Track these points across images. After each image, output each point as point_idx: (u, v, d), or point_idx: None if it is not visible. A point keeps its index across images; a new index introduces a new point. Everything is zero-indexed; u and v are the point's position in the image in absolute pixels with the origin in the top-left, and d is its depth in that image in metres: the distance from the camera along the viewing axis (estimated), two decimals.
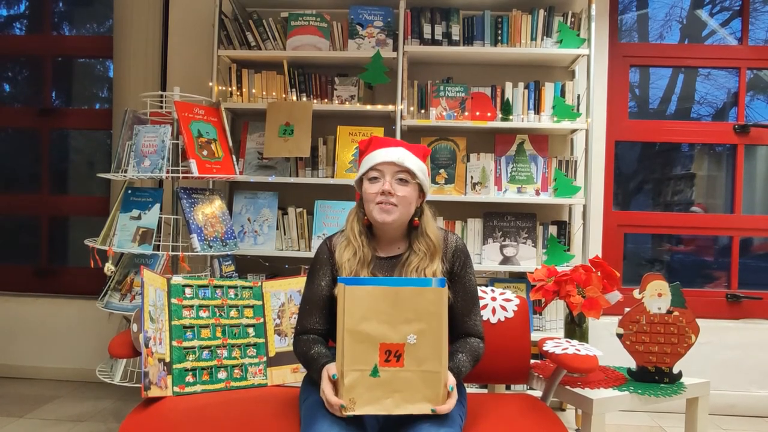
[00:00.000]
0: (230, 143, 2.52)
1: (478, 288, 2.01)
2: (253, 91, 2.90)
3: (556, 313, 2.82)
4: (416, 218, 1.58)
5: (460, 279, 1.60)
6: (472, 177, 2.84)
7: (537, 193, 2.81)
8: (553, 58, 2.84)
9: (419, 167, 1.54)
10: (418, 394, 1.31)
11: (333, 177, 2.82)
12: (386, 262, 1.58)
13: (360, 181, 1.58)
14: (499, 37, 2.81)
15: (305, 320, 1.57)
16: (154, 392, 1.61)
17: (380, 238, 1.60)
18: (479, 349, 1.57)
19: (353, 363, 1.30)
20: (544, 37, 2.79)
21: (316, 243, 2.77)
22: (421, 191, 1.58)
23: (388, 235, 1.59)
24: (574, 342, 1.82)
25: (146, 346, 1.61)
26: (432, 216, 1.62)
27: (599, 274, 1.99)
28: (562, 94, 2.81)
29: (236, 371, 1.83)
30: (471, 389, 2.53)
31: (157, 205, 2.35)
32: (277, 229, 2.87)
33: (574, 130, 2.92)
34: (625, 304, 1.99)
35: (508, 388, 2.64)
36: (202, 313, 1.81)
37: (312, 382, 1.51)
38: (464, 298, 1.59)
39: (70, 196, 3.44)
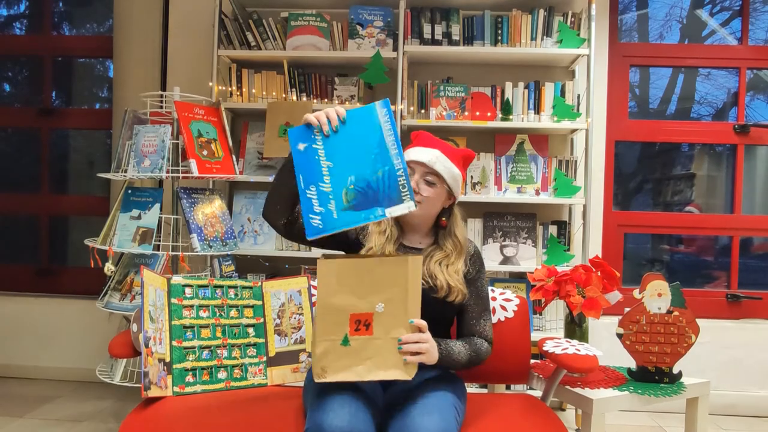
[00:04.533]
0: (230, 143, 2.52)
1: None
2: (253, 91, 2.90)
3: (556, 313, 2.82)
4: (444, 218, 1.63)
5: (473, 283, 1.64)
6: (472, 177, 2.84)
7: (537, 193, 2.82)
8: (553, 58, 2.84)
9: (450, 173, 1.58)
10: (388, 361, 1.36)
11: None
12: (410, 251, 1.63)
13: None
14: (499, 37, 2.81)
15: None
16: (154, 392, 1.61)
17: (404, 227, 1.65)
18: (482, 347, 1.60)
19: (324, 334, 1.37)
20: (544, 37, 2.79)
21: None
22: (452, 193, 1.62)
23: (410, 225, 1.64)
24: (574, 342, 1.82)
25: (146, 346, 1.61)
26: (461, 219, 1.68)
27: (599, 274, 1.99)
28: (562, 94, 2.81)
29: (236, 371, 1.83)
30: (471, 389, 2.53)
31: (157, 205, 2.35)
32: None
33: (574, 130, 2.92)
34: (625, 304, 1.99)
35: (508, 388, 2.64)
36: (202, 313, 1.81)
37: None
38: (476, 302, 1.64)
39: (70, 196, 3.44)
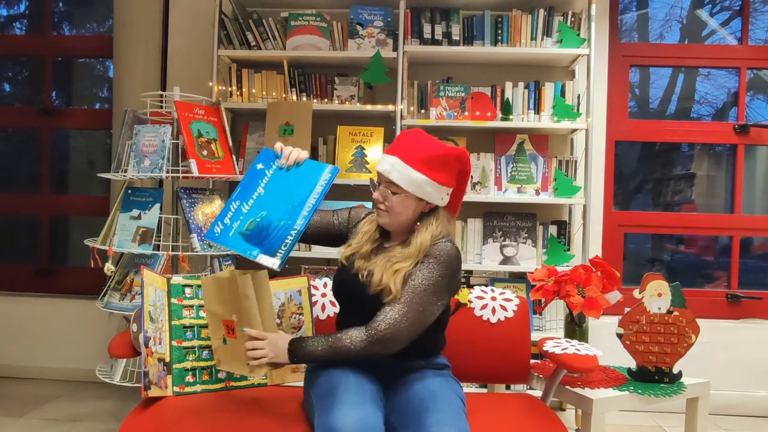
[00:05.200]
0: (230, 143, 2.52)
1: (478, 288, 2.02)
2: (253, 91, 2.90)
3: (556, 313, 2.82)
4: (418, 223, 1.58)
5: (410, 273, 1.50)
6: (472, 177, 2.84)
7: (537, 193, 2.82)
8: (553, 58, 2.84)
9: (408, 180, 1.49)
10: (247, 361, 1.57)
11: None
12: (385, 251, 1.59)
13: None
14: (499, 37, 2.81)
15: None
16: (154, 392, 1.61)
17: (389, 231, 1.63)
18: (345, 335, 1.45)
19: (213, 334, 1.66)
20: (544, 37, 2.79)
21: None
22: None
23: (391, 230, 1.61)
24: (574, 342, 1.82)
25: (146, 346, 1.61)
26: (440, 224, 1.55)
27: (599, 274, 1.99)
28: (562, 94, 2.81)
29: None
30: (471, 389, 2.53)
31: (157, 205, 2.35)
32: None
33: (574, 130, 2.92)
34: (625, 304, 1.99)
35: (508, 388, 2.64)
36: (202, 313, 1.81)
37: (318, 370, 1.54)
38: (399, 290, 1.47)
39: (70, 196, 3.44)
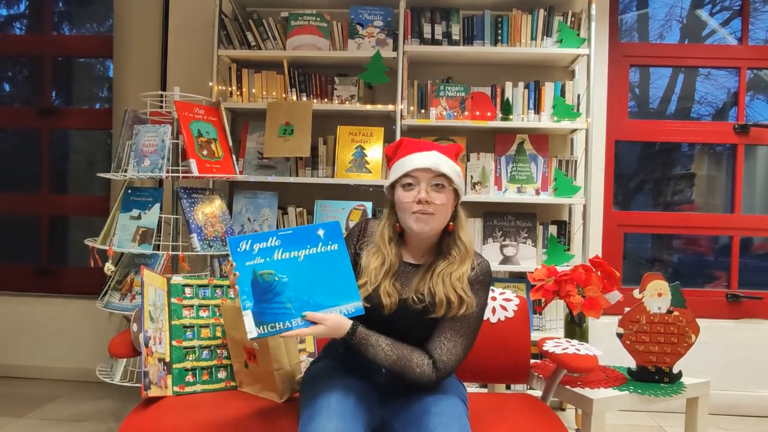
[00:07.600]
0: (230, 143, 2.52)
1: None
2: (253, 90, 2.90)
3: (556, 313, 2.82)
4: (451, 223, 1.49)
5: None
6: (472, 177, 2.84)
7: (537, 192, 2.82)
8: (553, 57, 2.84)
9: (455, 171, 1.45)
10: (269, 385, 1.69)
11: (333, 177, 2.82)
12: (412, 268, 1.52)
13: (392, 187, 1.51)
14: (499, 37, 2.81)
15: None
16: (154, 392, 1.61)
17: (410, 245, 1.53)
18: (414, 365, 1.40)
19: (235, 356, 1.77)
20: (544, 37, 2.79)
21: None
22: (457, 194, 1.49)
23: (420, 242, 1.51)
24: (574, 342, 1.82)
25: (146, 345, 1.61)
26: (465, 218, 1.53)
27: (599, 273, 1.99)
28: (562, 93, 2.81)
29: None
30: (471, 389, 2.53)
31: (157, 205, 2.35)
32: (277, 228, 2.87)
33: (574, 130, 2.92)
34: (625, 304, 1.99)
35: (508, 388, 2.64)
36: (202, 313, 1.81)
37: (311, 377, 1.53)
38: (450, 321, 1.45)
39: (70, 196, 3.44)
